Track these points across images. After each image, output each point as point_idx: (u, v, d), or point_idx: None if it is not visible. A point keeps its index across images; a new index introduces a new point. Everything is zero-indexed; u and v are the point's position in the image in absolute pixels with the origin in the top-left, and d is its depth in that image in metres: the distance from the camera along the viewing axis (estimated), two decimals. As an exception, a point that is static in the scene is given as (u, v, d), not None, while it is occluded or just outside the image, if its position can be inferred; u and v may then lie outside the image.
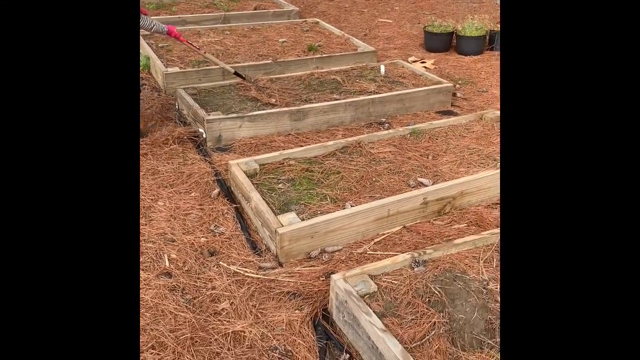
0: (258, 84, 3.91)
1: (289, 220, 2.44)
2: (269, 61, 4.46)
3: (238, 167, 2.85)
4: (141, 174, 3.05)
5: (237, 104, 3.69)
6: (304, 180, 2.83)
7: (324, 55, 4.68)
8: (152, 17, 3.64)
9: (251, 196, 2.62)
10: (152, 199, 2.81)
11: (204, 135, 3.41)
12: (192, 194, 2.89)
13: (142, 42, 4.65)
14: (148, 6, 5.97)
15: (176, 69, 4.16)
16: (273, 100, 3.68)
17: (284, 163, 2.97)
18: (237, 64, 4.36)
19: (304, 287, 2.23)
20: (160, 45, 4.72)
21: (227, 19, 5.72)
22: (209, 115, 3.41)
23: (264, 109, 3.58)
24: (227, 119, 3.41)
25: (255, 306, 2.12)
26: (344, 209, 2.57)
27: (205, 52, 3.96)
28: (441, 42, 5.35)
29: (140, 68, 4.51)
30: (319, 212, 2.56)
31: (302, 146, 3.40)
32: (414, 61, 5.01)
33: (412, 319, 1.86)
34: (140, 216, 2.68)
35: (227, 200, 2.84)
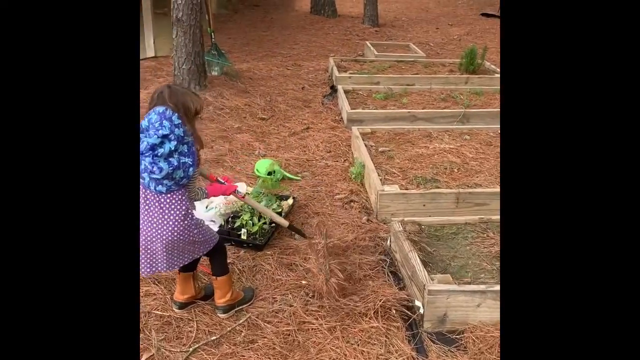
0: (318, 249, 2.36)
1: None
2: (524, 187, 3.13)
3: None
4: (319, 368, 1.99)
5: (477, 259, 2.45)
6: None
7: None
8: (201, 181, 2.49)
9: None
10: None
11: (421, 311, 2.24)
12: None
13: (361, 143, 3.80)
14: (375, 96, 5.22)
15: (395, 189, 3.13)
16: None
17: None
18: (475, 189, 3.14)
19: None
20: (380, 149, 3.80)
21: (466, 117, 4.59)
22: (433, 282, 2.23)
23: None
24: (459, 292, 2.19)
25: None
26: None
27: (246, 198, 2.47)
28: None
29: (353, 177, 3.62)
30: None
31: None
32: None
33: None
34: None
35: None
